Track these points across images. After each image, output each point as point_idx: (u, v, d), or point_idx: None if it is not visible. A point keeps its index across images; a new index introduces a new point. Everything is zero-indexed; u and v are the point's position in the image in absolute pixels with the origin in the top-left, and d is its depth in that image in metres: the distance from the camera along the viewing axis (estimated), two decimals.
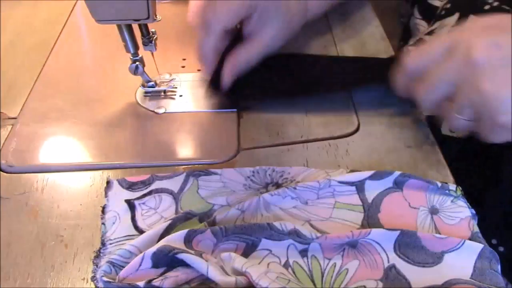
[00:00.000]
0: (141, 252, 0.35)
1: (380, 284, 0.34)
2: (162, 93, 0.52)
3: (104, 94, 0.52)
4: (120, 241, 0.38)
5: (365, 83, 0.50)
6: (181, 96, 0.51)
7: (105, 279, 0.34)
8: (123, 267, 0.35)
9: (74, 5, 0.67)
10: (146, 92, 0.52)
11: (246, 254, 0.36)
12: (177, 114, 0.49)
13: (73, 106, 0.50)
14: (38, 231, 0.38)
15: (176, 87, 0.52)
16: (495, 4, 0.52)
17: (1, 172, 0.43)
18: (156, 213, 0.40)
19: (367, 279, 0.35)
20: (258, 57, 0.49)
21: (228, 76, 0.48)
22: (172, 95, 0.52)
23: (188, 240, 0.36)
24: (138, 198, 0.41)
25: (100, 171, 0.43)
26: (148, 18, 0.44)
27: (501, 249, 0.52)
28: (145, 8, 0.43)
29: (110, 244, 0.37)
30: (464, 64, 0.38)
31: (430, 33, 0.62)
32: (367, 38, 0.60)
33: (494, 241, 0.52)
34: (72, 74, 0.55)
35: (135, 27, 0.47)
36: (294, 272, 0.35)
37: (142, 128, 0.48)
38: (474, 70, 0.37)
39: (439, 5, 0.64)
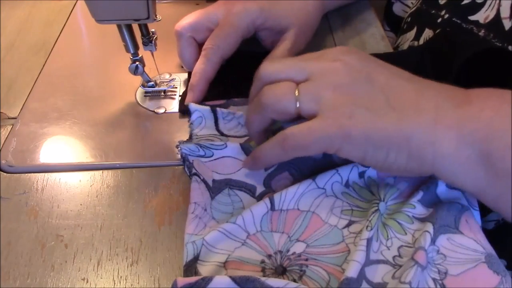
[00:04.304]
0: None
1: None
2: (162, 93, 0.52)
3: (104, 94, 0.52)
4: (205, 137, 0.44)
5: None
6: (181, 96, 0.51)
7: (185, 148, 0.42)
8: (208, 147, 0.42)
9: (74, 5, 0.67)
10: (146, 92, 0.52)
11: (315, 174, 0.40)
12: (177, 114, 0.49)
13: (73, 106, 0.50)
14: (38, 231, 0.38)
15: (176, 87, 0.53)
16: (446, 16, 0.52)
17: (1, 172, 0.43)
18: (235, 118, 0.46)
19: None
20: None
21: None
22: (172, 95, 0.52)
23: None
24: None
25: (100, 171, 0.43)
26: (148, 18, 0.44)
27: None
28: (145, 8, 0.43)
29: (196, 138, 0.44)
30: None
31: (396, 48, 0.63)
32: (367, 38, 0.60)
33: None
34: (72, 74, 0.55)
35: (135, 27, 0.47)
36: (354, 189, 0.40)
37: (142, 128, 0.48)
38: None
39: (404, 16, 0.64)
